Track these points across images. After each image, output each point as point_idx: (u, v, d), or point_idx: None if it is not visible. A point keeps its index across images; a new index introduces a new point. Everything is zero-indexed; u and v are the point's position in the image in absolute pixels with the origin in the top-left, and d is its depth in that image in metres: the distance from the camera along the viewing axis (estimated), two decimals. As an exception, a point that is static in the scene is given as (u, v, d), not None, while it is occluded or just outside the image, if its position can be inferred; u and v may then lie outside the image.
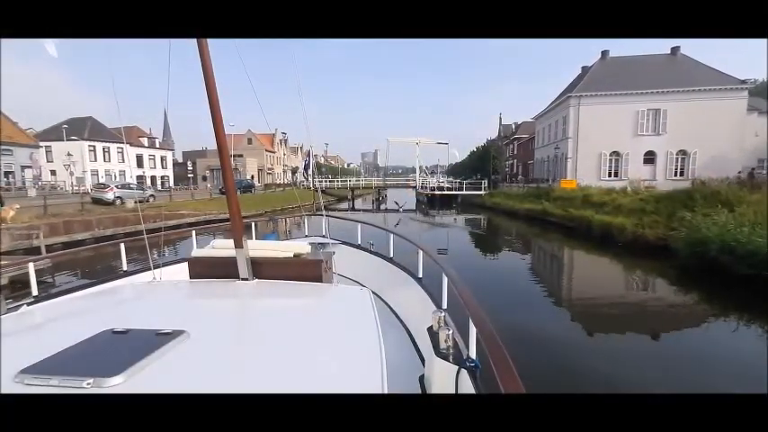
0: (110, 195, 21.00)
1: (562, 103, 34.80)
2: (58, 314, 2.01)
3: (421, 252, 3.54)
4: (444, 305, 2.72)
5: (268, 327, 1.87)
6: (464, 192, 36.90)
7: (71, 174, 34.95)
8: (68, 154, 32.91)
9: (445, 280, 2.59)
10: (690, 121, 31.37)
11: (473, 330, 1.76)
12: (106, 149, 46.80)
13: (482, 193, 34.86)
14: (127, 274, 3.90)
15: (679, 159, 32.67)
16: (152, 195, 23.83)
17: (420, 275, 3.68)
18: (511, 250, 16.16)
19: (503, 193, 31.70)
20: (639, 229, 13.67)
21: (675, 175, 32.28)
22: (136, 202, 22.22)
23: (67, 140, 42.26)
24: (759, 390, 4.66)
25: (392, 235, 4.68)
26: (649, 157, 32.85)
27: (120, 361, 1.26)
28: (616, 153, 33.18)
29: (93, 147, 45.52)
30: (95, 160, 45.61)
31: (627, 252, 13.32)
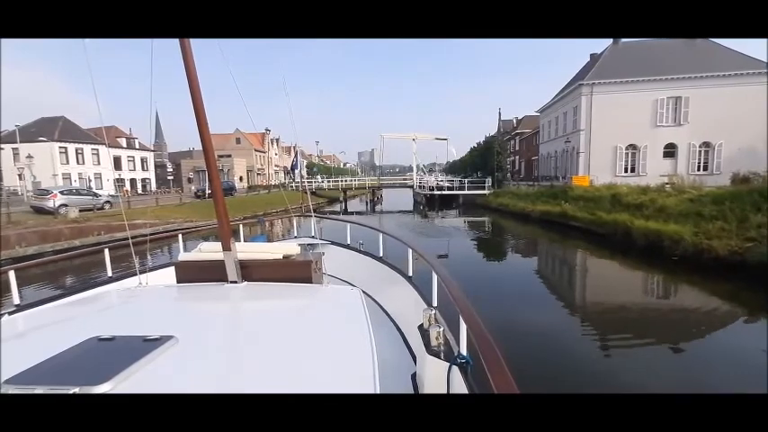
0: (51, 203, 17.72)
1: (572, 91, 31.72)
2: (42, 322, 1.93)
3: (410, 251, 3.49)
4: (435, 303, 2.69)
5: (258, 329, 1.84)
6: (466, 191, 33.70)
7: (33, 178, 31.59)
8: (28, 156, 29.55)
9: (435, 278, 2.57)
10: (714, 109, 28.42)
11: (463, 327, 1.73)
12: (79, 151, 43.35)
13: (486, 192, 31.72)
14: (112, 279, 3.68)
15: (702, 152, 29.71)
16: (107, 202, 20.57)
17: (410, 274, 3.64)
18: (532, 264, 13.06)
19: (510, 192, 28.54)
20: (703, 240, 10.52)
21: (699, 169, 29.33)
22: (104, 208, 19.13)
23: (36, 142, 38.84)
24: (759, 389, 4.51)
25: (381, 234, 4.64)
26: (670, 150, 29.86)
27: (106, 368, 1.23)
28: (633, 146, 30.18)
29: (65, 148, 42.08)
30: (67, 163, 42.17)
31: (687, 269, 10.25)
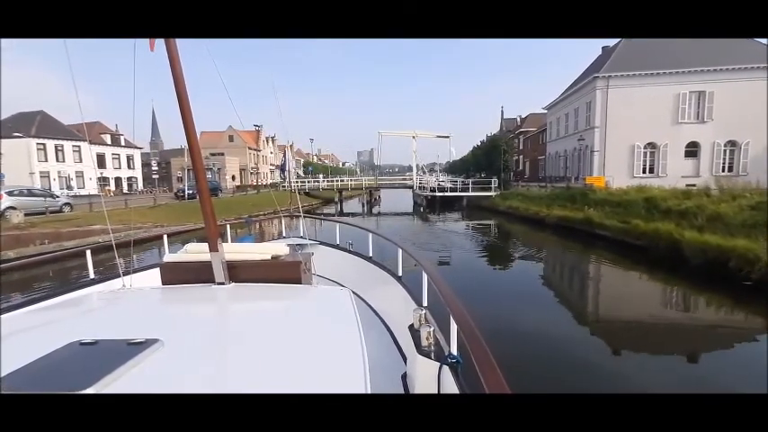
0: (-6, 206, 15.27)
1: (586, 85, 29.32)
2: (21, 326, 1.83)
3: (400, 250, 3.51)
4: (425, 302, 2.69)
5: (246, 330, 1.84)
6: (470, 193, 31.24)
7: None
8: (-4, 153, 27.23)
9: (425, 277, 2.56)
10: (741, 105, 26.04)
11: (454, 327, 1.73)
12: (59, 148, 40.87)
13: (492, 194, 29.27)
14: (94, 282, 3.50)
15: (727, 151, 27.35)
16: (67, 204, 18.11)
17: (400, 274, 3.64)
18: (561, 282, 10.67)
19: (519, 194, 26.13)
20: (790, 261, 8.12)
21: (723, 170, 26.96)
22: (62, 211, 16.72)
23: (10, 138, 36.40)
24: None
25: (371, 234, 4.63)
26: (692, 149, 27.50)
27: (89, 373, 1.20)
28: (651, 145, 27.82)
29: (43, 145, 39.61)
30: (45, 160, 39.72)
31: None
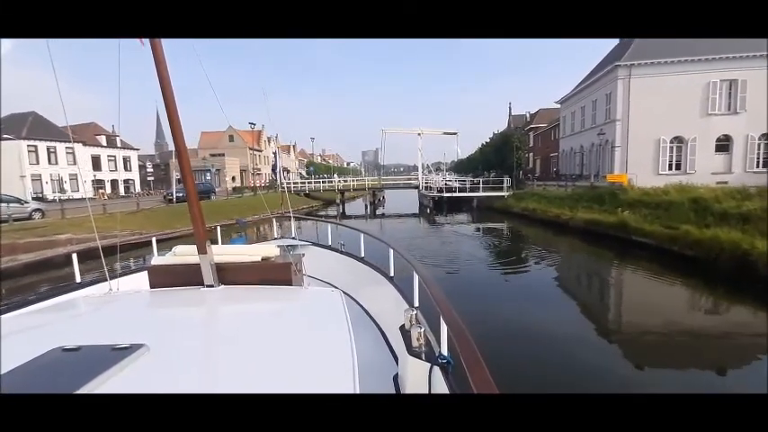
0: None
1: (606, 75, 27.16)
2: (3, 333, 1.75)
3: (392, 251, 3.47)
4: (416, 303, 2.66)
5: (236, 333, 1.81)
6: (480, 193, 29.18)
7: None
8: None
9: (416, 278, 2.54)
10: (777, 94, 23.73)
11: (444, 327, 1.74)
12: (51, 150, 39.44)
13: (504, 194, 27.20)
14: (80, 286, 3.43)
15: (762, 145, 25.07)
16: (38, 210, 16.46)
17: (391, 274, 3.62)
18: (605, 306, 8.68)
19: (536, 194, 24.03)
20: None
21: (757, 165, 24.75)
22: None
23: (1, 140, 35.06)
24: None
25: (363, 234, 4.61)
26: (723, 143, 25.26)
27: (71, 380, 1.18)
28: (678, 139, 25.62)
29: (35, 147, 38.20)
30: (37, 162, 38.32)
31: None
